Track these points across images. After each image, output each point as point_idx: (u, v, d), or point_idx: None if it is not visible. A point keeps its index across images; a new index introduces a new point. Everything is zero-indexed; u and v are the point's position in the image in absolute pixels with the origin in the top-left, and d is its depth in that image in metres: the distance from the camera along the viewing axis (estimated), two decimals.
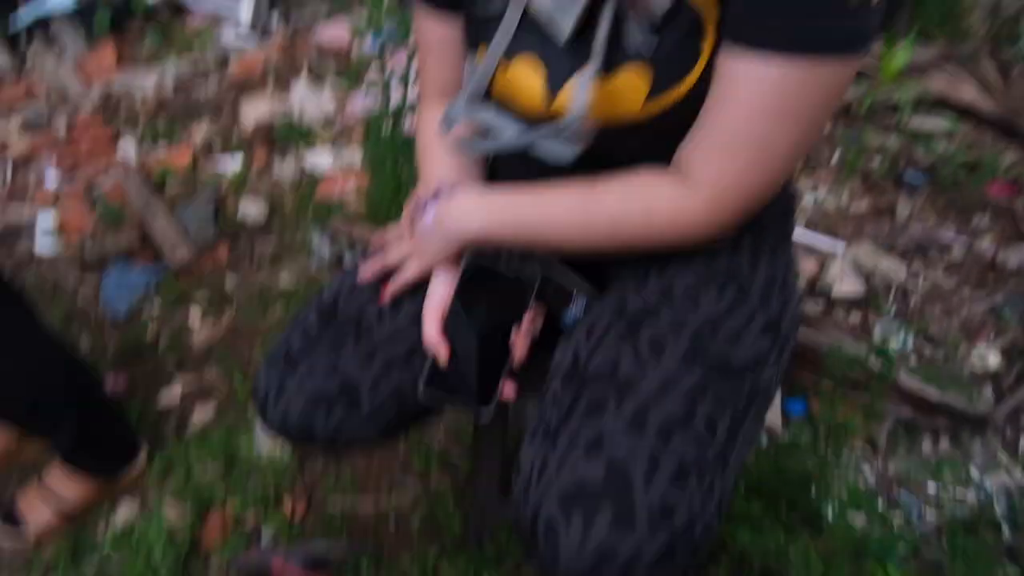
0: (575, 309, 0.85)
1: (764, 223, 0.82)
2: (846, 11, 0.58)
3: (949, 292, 1.89)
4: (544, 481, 0.64)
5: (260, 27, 3.04)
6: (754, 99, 0.61)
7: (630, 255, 0.76)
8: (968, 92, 2.48)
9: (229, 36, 3.05)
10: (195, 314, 1.77)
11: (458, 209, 0.78)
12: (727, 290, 0.76)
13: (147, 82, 2.72)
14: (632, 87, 0.66)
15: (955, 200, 2.16)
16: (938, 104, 2.51)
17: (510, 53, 0.72)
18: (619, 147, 0.72)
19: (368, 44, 2.61)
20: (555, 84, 0.71)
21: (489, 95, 0.77)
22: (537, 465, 0.66)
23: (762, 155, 0.64)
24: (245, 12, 3.01)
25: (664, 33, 0.64)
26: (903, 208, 2.14)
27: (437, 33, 0.86)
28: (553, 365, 0.79)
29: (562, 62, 0.70)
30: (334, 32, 2.91)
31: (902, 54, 2.44)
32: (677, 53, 0.64)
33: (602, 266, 0.87)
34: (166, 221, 2.01)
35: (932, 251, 2.01)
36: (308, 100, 2.52)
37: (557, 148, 0.70)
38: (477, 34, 0.77)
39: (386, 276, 0.88)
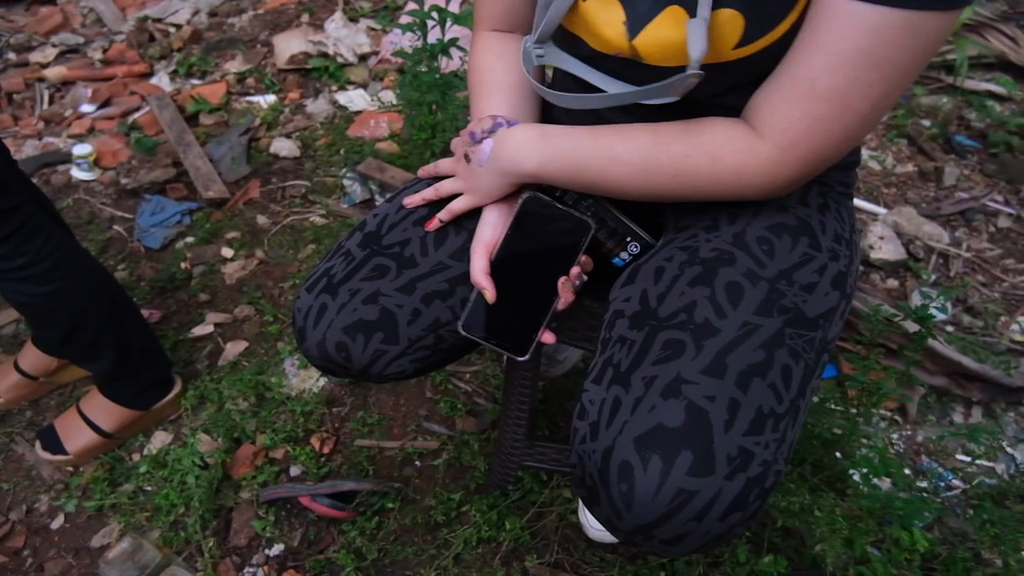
0: (627, 256, 0.84)
1: (831, 178, 0.80)
2: None
3: (992, 262, 1.84)
4: (616, 423, 0.63)
5: None
6: (844, 44, 0.58)
7: (696, 203, 0.73)
8: None
9: None
10: (227, 250, 1.79)
11: (515, 145, 0.76)
12: (800, 241, 0.73)
13: (182, 13, 2.68)
14: (726, 32, 0.63)
15: (1006, 167, 2.08)
16: (995, 65, 2.40)
17: None
18: (700, 90, 0.68)
19: None
20: (636, 22, 0.68)
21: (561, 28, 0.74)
22: (608, 407, 0.65)
23: (840, 109, 0.61)
24: None
25: None
26: (950, 174, 2.06)
27: None
28: (613, 309, 0.76)
29: (643, 3, 0.67)
30: None
31: (967, 11, 2.32)
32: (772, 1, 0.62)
33: (657, 214, 0.85)
34: (199, 156, 2.01)
35: (977, 219, 1.95)
36: (343, 36, 2.47)
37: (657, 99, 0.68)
38: None
39: (433, 206, 0.86)
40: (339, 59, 2.40)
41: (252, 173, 2.02)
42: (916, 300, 1.66)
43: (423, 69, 1.73)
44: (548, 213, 0.78)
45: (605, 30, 0.70)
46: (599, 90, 0.76)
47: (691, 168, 0.69)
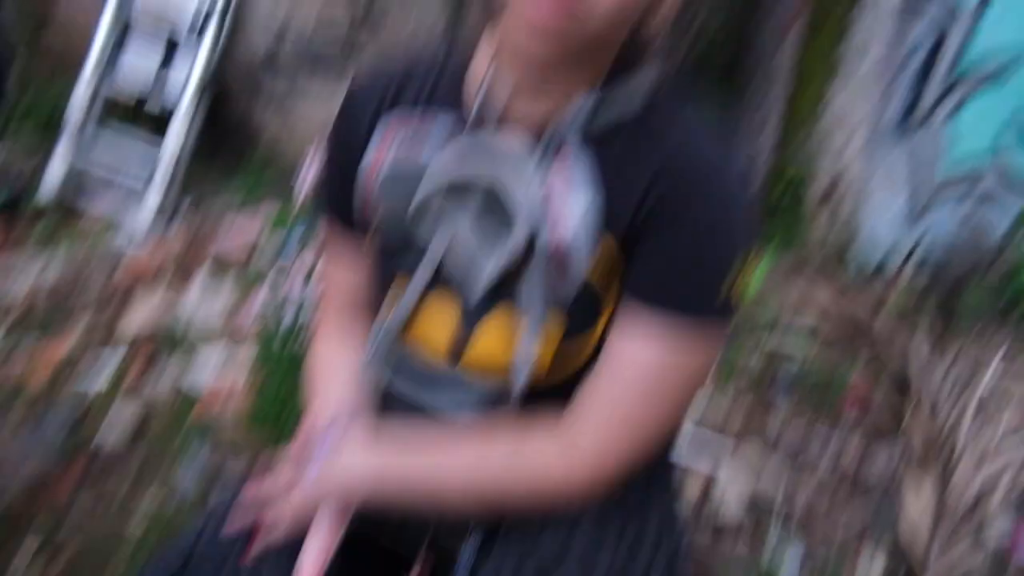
0: (461, 569, 0.82)
1: (649, 471, 0.86)
2: (721, 304, 0.69)
3: (826, 505, 1.97)
4: None
5: (163, 222, 3.04)
6: (634, 381, 0.69)
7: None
8: (817, 306, 2.80)
9: (127, 232, 3.00)
10: (25, 553, 1.53)
11: (344, 466, 0.77)
12: (624, 538, 0.77)
13: (23, 279, 2.58)
14: (544, 342, 0.72)
15: (820, 410, 2.34)
16: (795, 317, 2.81)
17: (426, 290, 0.75)
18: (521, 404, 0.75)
19: (275, 245, 2.66)
20: (467, 328, 0.75)
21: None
22: None
23: (641, 429, 0.72)
24: (149, 205, 3.01)
25: (572, 310, 0.72)
26: (773, 424, 2.27)
27: (345, 244, 0.86)
28: None
29: (473, 307, 0.74)
30: (239, 231, 2.95)
31: (763, 266, 2.76)
32: (580, 318, 0.72)
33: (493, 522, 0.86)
34: (8, 440, 1.80)
35: (806, 465, 2.12)
36: (200, 306, 2.47)
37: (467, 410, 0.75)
38: (392, 261, 0.78)
39: (254, 527, 0.80)
40: (195, 327, 2.37)
41: (70, 462, 1.81)
42: (766, 555, 1.71)
43: (280, 345, 1.73)
44: (373, 540, 0.77)
45: (434, 344, 0.76)
46: (428, 402, 0.80)
47: (514, 493, 0.74)
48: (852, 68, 2.90)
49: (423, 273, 0.74)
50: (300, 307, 1.71)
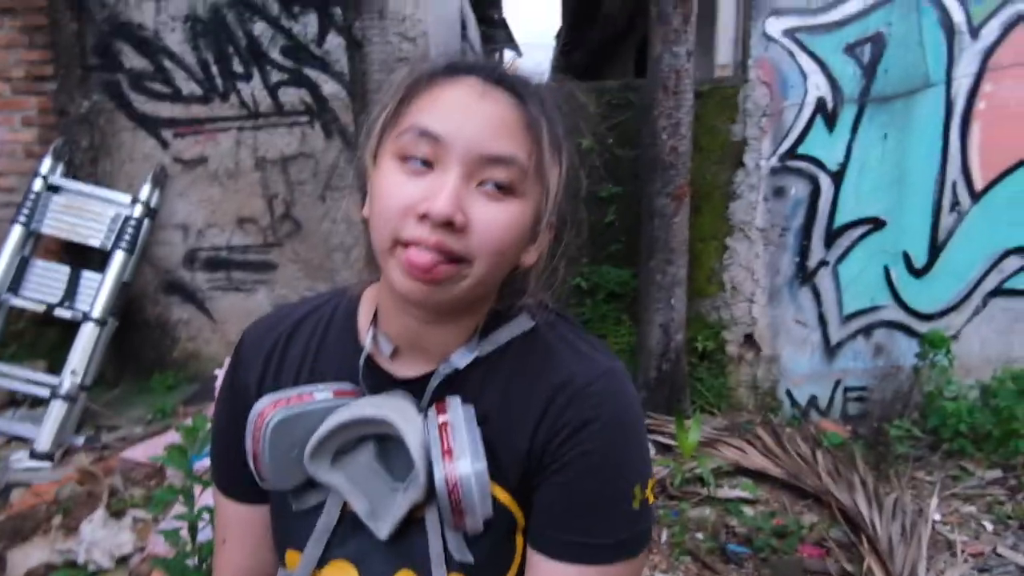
0: None
1: None
2: (634, 516, 0.67)
3: None
4: None
5: (59, 453, 2.82)
6: None
7: None
8: (756, 459, 2.80)
9: (19, 463, 2.77)
10: None
11: None
12: None
13: None
14: None
15: (776, 569, 2.25)
16: (737, 472, 2.79)
17: (323, 560, 0.71)
18: None
19: (183, 467, 2.47)
20: None
21: None
22: None
23: None
24: (45, 435, 2.80)
25: (483, 538, 0.67)
26: None
27: (239, 515, 0.81)
28: None
29: (376, 566, 0.69)
30: (147, 451, 2.75)
31: (694, 430, 2.77)
32: (495, 554, 0.68)
33: None
34: None
35: None
36: (101, 538, 2.23)
37: None
38: (287, 532, 0.74)
39: None
40: (91, 566, 2.12)
41: None
42: None
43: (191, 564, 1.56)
44: None
45: None
46: None
47: None
48: (743, 227, 3.16)
49: (317, 541, 0.71)
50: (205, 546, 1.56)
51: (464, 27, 5.40)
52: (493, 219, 0.62)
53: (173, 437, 2.70)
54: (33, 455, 2.78)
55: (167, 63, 3.24)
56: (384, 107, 0.68)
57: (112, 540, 2.23)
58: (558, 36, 8.05)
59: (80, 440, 2.95)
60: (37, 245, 3.19)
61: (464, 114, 0.62)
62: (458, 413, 0.67)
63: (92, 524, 2.30)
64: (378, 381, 0.73)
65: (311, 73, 3.21)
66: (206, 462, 2.45)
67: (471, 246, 0.62)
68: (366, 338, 0.74)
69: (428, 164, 0.63)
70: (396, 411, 0.67)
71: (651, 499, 0.71)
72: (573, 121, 0.70)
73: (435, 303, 0.65)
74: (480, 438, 0.66)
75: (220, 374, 3.06)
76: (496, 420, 0.70)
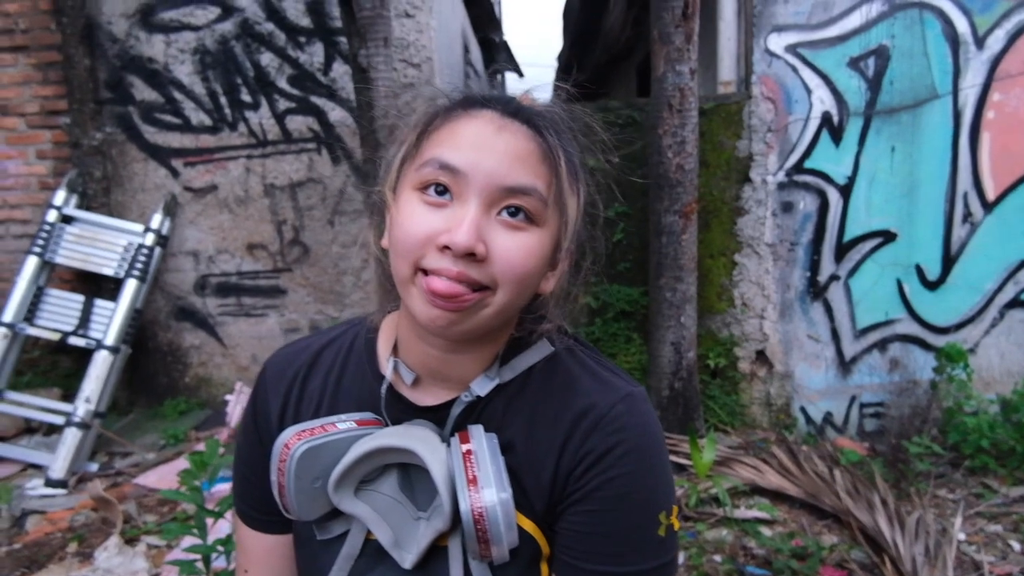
0: None
1: None
2: (659, 544, 0.67)
3: None
4: None
5: (73, 480, 2.83)
6: None
7: None
8: (773, 478, 2.75)
9: (34, 490, 2.78)
10: None
11: None
12: None
13: None
14: None
15: None
16: (753, 491, 2.74)
17: None
18: None
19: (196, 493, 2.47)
20: None
21: None
22: None
23: None
24: (59, 463, 2.81)
25: (508, 567, 0.67)
26: None
27: (262, 545, 0.81)
28: None
29: None
30: (156, 484, 2.75)
31: (708, 449, 2.73)
32: None
33: None
34: None
35: None
36: (116, 564, 2.23)
37: None
38: (311, 562, 0.74)
39: None
40: None
41: None
42: None
43: None
44: None
45: None
46: None
47: None
48: (752, 243, 3.14)
49: (340, 570, 0.71)
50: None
51: (467, 50, 5.47)
52: (514, 248, 0.63)
53: (185, 463, 2.70)
54: (48, 482, 2.79)
55: (177, 94, 3.30)
56: (403, 142, 0.69)
57: (127, 568, 2.23)
58: (559, 57, 8.11)
59: (94, 467, 2.96)
60: (51, 275, 3.24)
61: (483, 147, 0.63)
62: (482, 442, 0.67)
63: (107, 552, 2.30)
64: (400, 410, 0.74)
65: (318, 101, 3.25)
66: (218, 489, 2.46)
67: (493, 275, 0.63)
68: (387, 367, 0.74)
69: (448, 196, 0.63)
70: (420, 440, 0.67)
71: (676, 525, 0.70)
72: (585, 145, 0.71)
73: (458, 332, 0.65)
74: (504, 467, 0.66)
75: (231, 399, 3.06)
76: (520, 448, 0.70)
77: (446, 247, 0.61)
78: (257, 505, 0.80)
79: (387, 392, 0.73)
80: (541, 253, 0.65)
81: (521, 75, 8.95)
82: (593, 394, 0.70)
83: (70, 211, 3.20)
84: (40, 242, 3.13)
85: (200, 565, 1.61)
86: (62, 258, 3.15)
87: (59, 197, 3.19)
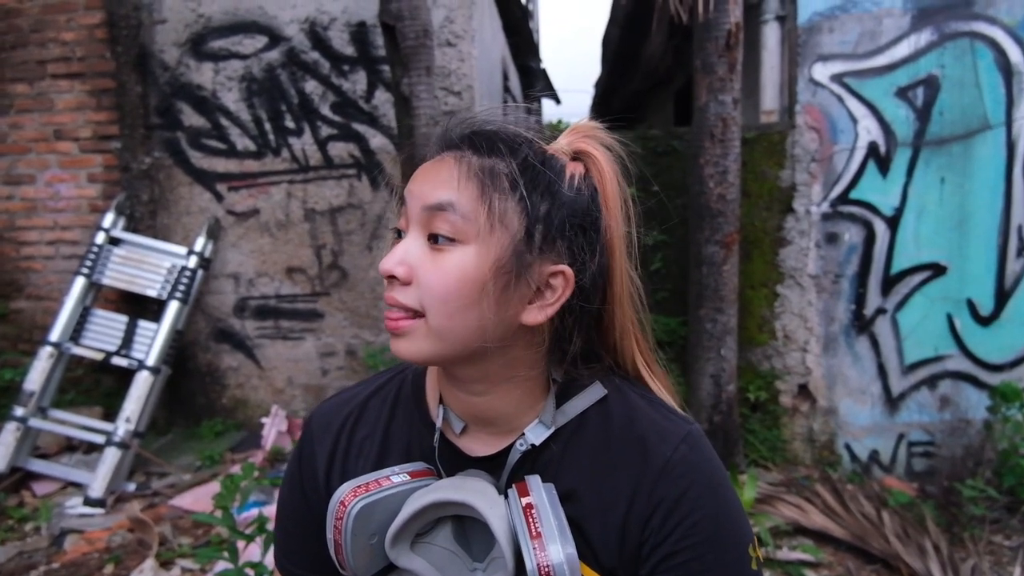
0: None
1: None
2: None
3: None
4: None
5: (111, 499, 2.86)
6: None
7: None
8: (817, 518, 2.65)
9: (73, 509, 2.82)
10: None
11: None
12: None
13: None
14: None
15: None
16: (796, 531, 2.65)
17: None
18: None
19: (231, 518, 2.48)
20: None
21: None
22: None
23: None
24: (99, 482, 2.85)
25: None
26: None
27: None
28: None
29: None
30: (191, 506, 2.76)
31: (749, 486, 2.65)
32: None
33: None
34: None
35: None
36: None
37: None
38: None
39: None
40: None
41: None
42: None
43: None
44: None
45: None
46: None
47: None
48: (795, 274, 3.07)
49: None
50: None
51: (506, 78, 5.52)
52: (434, 268, 0.63)
53: (218, 487, 2.72)
54: (87, 501, 2.83)
55: (223, 120, 3.38)
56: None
57: None
58: (597, 84, 8.15)
59: (132, 487, 2.99)
60: (97, 295, 3.31)
61: (419, 175, 0.66)
62: (541, 494, 0.65)
63: (142, 574, 2.31)
64: (452, 460, 0.72)
65: (359, 127, 3.30)
66: (250, 513, 2.45)
67: (420, 298, 0.63)
68: (437, 416, 0.73)
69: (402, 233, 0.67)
70: (478, 493, 0.66)
71: (760, 556, 0.68)
72: (617, 168, 0.70)
73: (423, 361, 0.66)
74: (565, 520, 0.64)
75: (267, 422, 3.05)
76: (583, 498, 0.68)
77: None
78: (302, 562, 0.79)
79: (439, 441, 0.72)
80: (463, 271, 0.62)
81: (558, 101, 9.00)
82: (653, 437, 0.68)
83: (117, 233, 3.28)
84: (88, 263, 3.20)
85: None
86: (108, 279, 3.22)
87: (108, 219, 3.27)
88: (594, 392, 0.71)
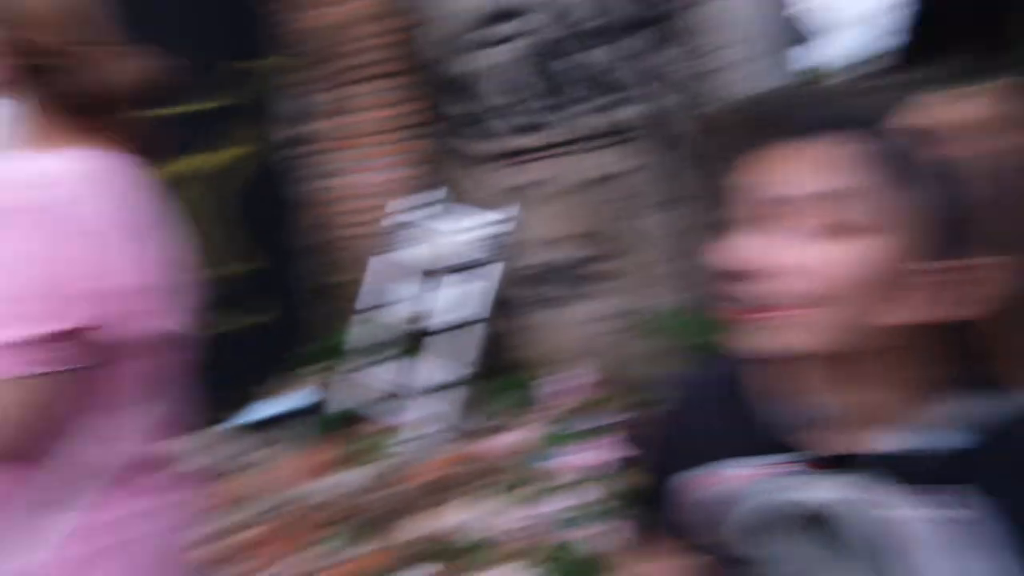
0: None
1: None
2: None
3: None
4: None
5: (446, 433, 3.30)
6: None
7: None
8: None
9: (413, 442, 3.28)
10: None
11: None
12: None
13: (336, 487, 2.91)
14: None
15: None
16: None
17: None
18: None
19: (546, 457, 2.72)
20: None
21: None
22: None
23: None
24: (434, 417, 3.29)
25: None
26: None
27: (659, 551, 0.84)
28: None
29: None
30: (515, 441, 3.08)
31: None
32: None
33: None
34: None
35: None
36: (486, 520, 2.55)
37: None
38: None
39: None
40: (484, 539, 2.43)
41: None
42: None
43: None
44: None
45: None
46: None
47: None
48: None
49: None
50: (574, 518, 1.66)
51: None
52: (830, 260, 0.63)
53: (513, 438, 2.96)
54: (416, 448, 3.27)
55: (508, 100, 3.61)
56: None
57: (493, 523, 2.53)
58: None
59: (464, 425, 3.41)
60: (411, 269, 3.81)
61: (784, 162, 0.65)
62: (955, 508, 0.62)
63: (477, 509, 2.65)
64: (817, 455, 0.70)
65: (646, 93, 3.31)
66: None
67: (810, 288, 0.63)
68: (787, 408, 0.72)
69: None
70: (832, 494, 0.66)
71: None
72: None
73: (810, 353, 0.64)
74: (987, 534, 0.61)
75: (553, 384, 3.17)
76: (1013, 512, 0.62)
77: None
78: (656, 518, 0.84)
79: (794, 435, 0.71)
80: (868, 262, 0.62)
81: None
82: None
83: (430, 210, 3.77)
84: (409, 236, 3.72)
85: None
86: (427, 250, 3.72)
87: (411, 202, 3.76)
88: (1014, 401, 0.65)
